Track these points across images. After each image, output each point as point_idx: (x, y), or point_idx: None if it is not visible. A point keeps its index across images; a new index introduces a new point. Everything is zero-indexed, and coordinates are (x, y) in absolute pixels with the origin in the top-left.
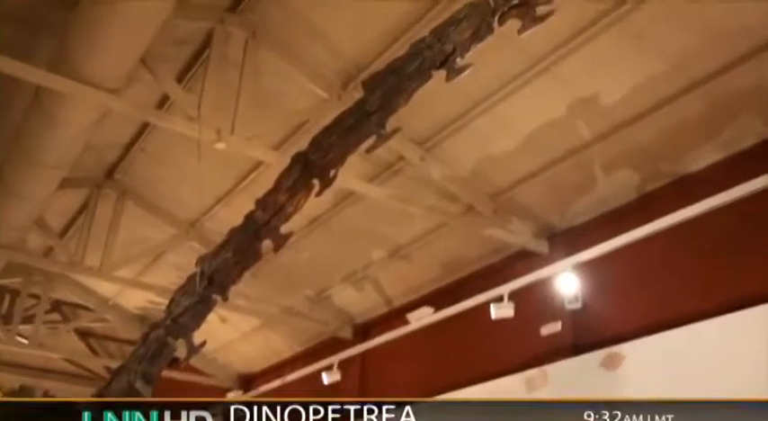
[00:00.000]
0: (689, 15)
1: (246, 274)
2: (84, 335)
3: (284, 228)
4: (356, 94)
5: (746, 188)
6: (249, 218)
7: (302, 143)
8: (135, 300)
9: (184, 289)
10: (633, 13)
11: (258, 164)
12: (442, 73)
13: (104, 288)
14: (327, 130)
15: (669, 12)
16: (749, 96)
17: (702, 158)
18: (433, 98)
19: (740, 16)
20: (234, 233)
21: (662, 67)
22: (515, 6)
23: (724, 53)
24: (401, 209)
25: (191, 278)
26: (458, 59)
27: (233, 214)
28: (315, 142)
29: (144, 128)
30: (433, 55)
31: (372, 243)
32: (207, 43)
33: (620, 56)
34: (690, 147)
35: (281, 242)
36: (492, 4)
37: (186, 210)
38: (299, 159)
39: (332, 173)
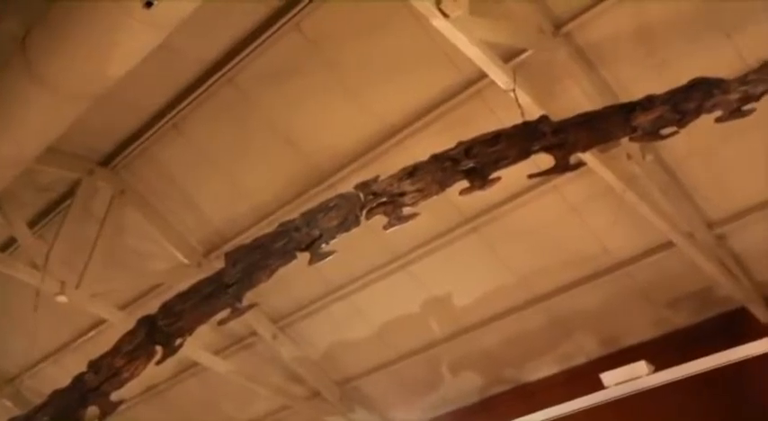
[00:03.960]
0: (537, 236)
1: None
2: None
3: (115, 395)
4: (218, 263)
5: (578, 404)
6: (78, 380)
7: (152, 306)
8: None
9: None
10: (488, 226)
11: (100, 322)
12: (305, 255)
13: None
14: (181, 297)
15: (520, 230)
16: (585, 317)
17: (542, 369)
18: (295, 279)
19: (566, 243)
20: (57, 395)
21: (510, 279)
22: (383, 204)
23: (565, 274)
24: (245, 386)
25: None
26: (323, 245)
27: (61, 373)
28: (166, 307)
29: None
30: (300, 237)
31: (210, 420)
32: (70, 193)
33: (474, 263)
34: (531, 358)
35: (108, 410)
36: (362, 199)
37: (7, 363)
38: (146, 323)
39: (178, 341)
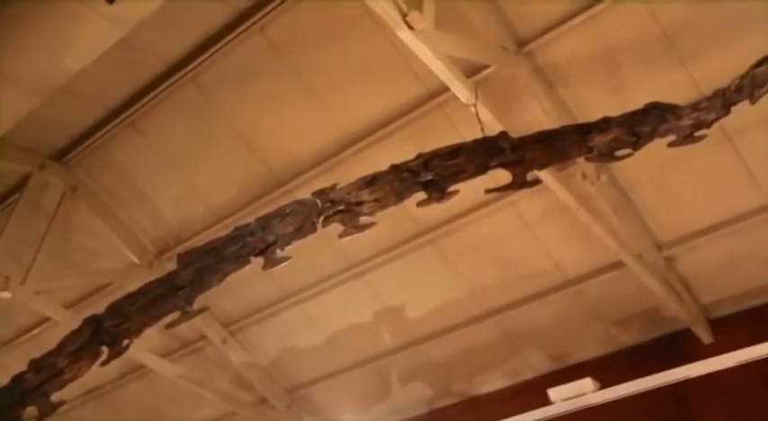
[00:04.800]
0: (492, 251)
1: None
2: None
3: (56, 396)
4: (169, 265)
5: (525, 418)
6: (18, 379)
7: (99, 306)
8: None
9: None
10: (444, 239)
11: (44, 320)
12: (260, 260)
13: None
14: (131, 297)
15: (475, 244)
16: (535, 332)
17: (490, 383)
18: (248, 283)
19: (519, 258)
20: None
21: (463, 292)
22: (340, 212)
23: (518, 289)
24: (192, 391)
25: None
26: (278, 250)
27: (0, 372)
28: (114, 307)
29: None
30: (255, 242)
31: None
32: (20, 187)
33: (428, 275)
34: (480, 371)
35: (48, 411)
36: (319, 206)
37: None
38: (92, 323)
39: (125, 342)
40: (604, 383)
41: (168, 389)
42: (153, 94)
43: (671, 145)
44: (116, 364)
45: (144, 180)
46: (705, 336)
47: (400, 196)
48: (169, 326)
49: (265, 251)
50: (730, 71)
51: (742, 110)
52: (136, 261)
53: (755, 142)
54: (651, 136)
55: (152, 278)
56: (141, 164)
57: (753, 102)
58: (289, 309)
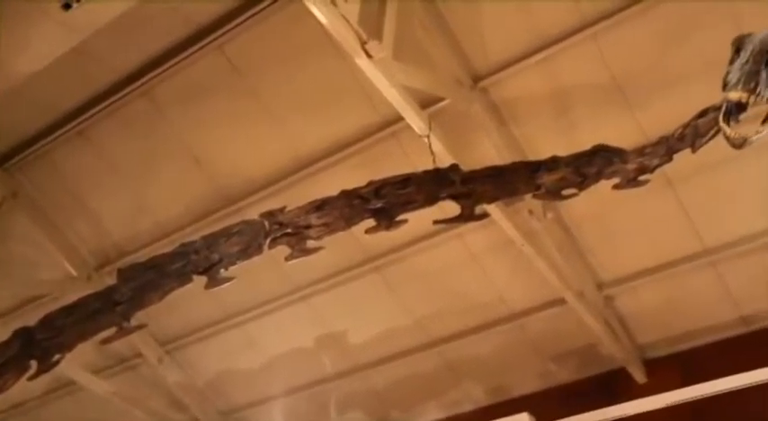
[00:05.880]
0: (437, 281)
1: None
2: None
3: None
4: (109, 279)
5: None
6: None
7: (32, 318)
8: None
9: None
10: (391, 267)
11: None
12: (203, 279)
13: None
14: (66, 310)
15: (421, 273)
16: (476, 364)
17: (428, 413)
18: (189, 301)
19: (464, 290)
20: None
21: (406, 321)
22: (288, 235)
23: (461, 320)
24: (123, 409)
25: None
26: (222, 270)
27: None
28: (47, 320)
29: None
30: (199, 260)
31: None
32: None
33: (373, 302)
34: (418, 401)
35: None
36: (267, 227)
37: None
38: (23, 335)
39: (56, 357)
40: (540, 419)
41: (99, 407)
42: (104, 105)
43: (615, 187)
44: (44, 379)
45: (89, 190)
46: (639, 376)
47: (349, 222)
48: (104, 342)
49: (209, 270)
50: (675, 119)
51: (684, 158)
52: (74, 273)
53: (695, 190)
54: (597, 177)
55: (89, 291)
56: (87, 173)
57: (694, 150)
58: (230, 330)
